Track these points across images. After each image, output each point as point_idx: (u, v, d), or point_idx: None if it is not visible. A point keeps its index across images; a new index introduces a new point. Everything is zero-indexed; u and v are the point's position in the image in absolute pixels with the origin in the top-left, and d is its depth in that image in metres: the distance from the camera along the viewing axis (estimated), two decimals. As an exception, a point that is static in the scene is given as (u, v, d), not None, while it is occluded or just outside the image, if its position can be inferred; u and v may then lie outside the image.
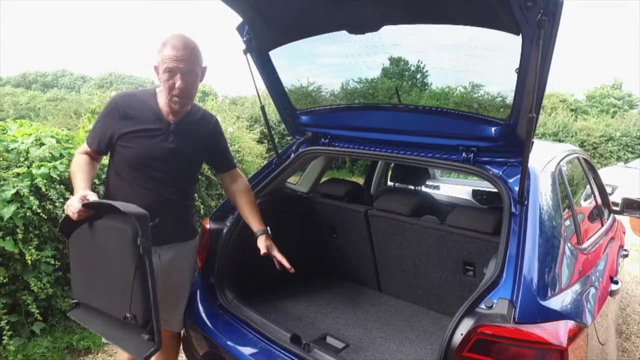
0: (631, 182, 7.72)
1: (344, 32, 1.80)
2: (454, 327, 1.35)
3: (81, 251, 1.67)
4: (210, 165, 2.17)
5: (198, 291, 2.12)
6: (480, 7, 1.40)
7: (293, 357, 1.67)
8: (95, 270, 1.62)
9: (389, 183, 3.86)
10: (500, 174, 1.75)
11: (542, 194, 1.67)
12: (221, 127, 2.04)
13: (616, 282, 1.97)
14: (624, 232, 3.40)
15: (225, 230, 2.18)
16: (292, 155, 2.37)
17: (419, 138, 2.02)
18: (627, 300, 4.05)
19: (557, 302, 1.41)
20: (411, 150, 2.03)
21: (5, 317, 2.53)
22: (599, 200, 2.87)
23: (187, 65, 1.66)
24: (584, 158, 2.79)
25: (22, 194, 2.58)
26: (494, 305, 1.36)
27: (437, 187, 4.32)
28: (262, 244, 1.94)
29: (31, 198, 2.60)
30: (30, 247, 2.58)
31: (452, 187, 4.26)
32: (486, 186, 3.91)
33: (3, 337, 2.50)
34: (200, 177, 3.87)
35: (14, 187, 2.57)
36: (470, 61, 1.80)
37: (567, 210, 1.94)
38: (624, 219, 3.60)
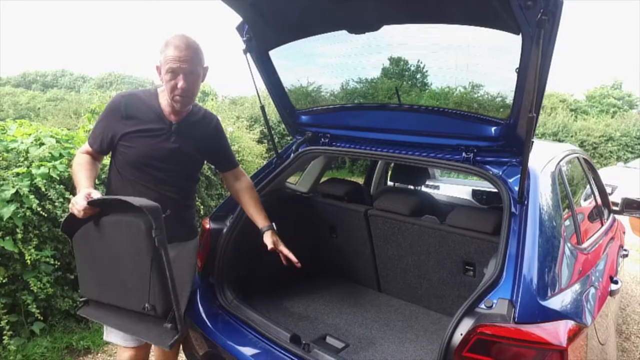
0: (631, 182, 7.72)
1: (343, 32, 1.80)
2: (453, 327, 1.35)
3: (89, 249, 1.67)
4: (212, 164, 2.18)
5: (198, 291, 2.12)
6: (480, 7, 1.40)
7: (293, 357, 1.67)
8: (106, 266, 1.62)
9: (389, 183, 3.86)
10: (500, 173, 1.75)
11: (542, 193, 1.67)
12: (222, 126, 2.04)
13: (616, 282, 1.97)
14: (624, 232, 3.40)
15: (225, 230, 2.18)
16: (292, 155, 2.37)
17: (419, 138, 2.02)
18: (627, 300, 4.05)
19: (557, 302, 1.41)
20: (411, 150, 2.03)
21: (5, 317, 2.53)
22: (599, 200, 2.87)
23: (189, 66, 1.66)
24: (583, 158, 2.79)
25: (21, 193, 2.58)
26: (494, 305, 1.36)
27: (437, 187, 4.32)
28: (268, 239, 1.96)
29: (31, 198, 2.60)
30: (29, 247, 2.58)
31: (452, 187, 4.26)
32: (486, 186, 3.91)
33: (3, 337, 2.50)
34: (200, 177, 3.87)
35: (13, 186, 2.57)
36: (470, 61, 1.80)
37: (567, 210, 1.93)
38: (624, 219, 3.60)
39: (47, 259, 2.68)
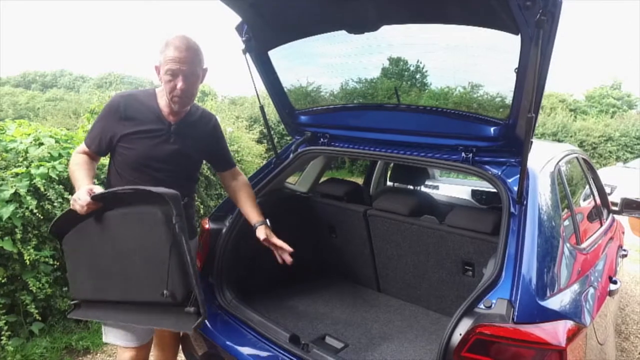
0: (630, 182, 7.72)
1: (343, 32, 1.80)
2: (452, 327, 1.35)
3: (85, 247, 1.66)
4: (210, 164, 2.18)
5: (197, 291, 2.11)
6: (479, 7, 1.40)
7: (292, 357, 1.67)
8: (110, 261, 1.60)
9: (389, 183, 3.86)
10: (499, 174, 1.75)
11: (541, 194, 1.67)
12: (220, 126, 2.04)
13: (615, 282, 1.97)
14: (623, 232, 3.40)
15: (224, 230, 2.18)
16: (291, 155, 2.37)
17: (418, 138, 2.02)
18: (626, 300, 4.05)
19: (556, 302, 1.41)
20: (410, 150, 2.03)
21: (4, 317, 2.53)
22: (598, 201, 2.88)
23: (189, 67, 1.66)
24: (583, 158, 2.79)
25: (20, 194, 2.58)
26: (493, 305, 1.36)
27: (436, 187, 4.32)
28: (261, 232, 1.94)
29: (30, 198, 2.60)
30: (29, 247, 2.57)
31: (452, 187, 4.26)
32: (485, 186, 3.91)
33: (2, 337, 2.50)
34: (199, 177, 3.87)
35: (12, 187, 2.57)
36: (469, 61, 1.80)
37: (566, 210, 1.94)
38: (624, 219, 3.60)
39: (46, 259, 2.67)
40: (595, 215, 2.67)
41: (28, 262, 2.55)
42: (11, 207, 2.51)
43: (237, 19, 1.90)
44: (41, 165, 2.80)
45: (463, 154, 1.85)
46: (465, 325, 1.34)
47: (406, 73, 2.07)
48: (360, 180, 3.98)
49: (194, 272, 1.47)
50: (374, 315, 2.39)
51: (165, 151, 1.77)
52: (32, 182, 2.69)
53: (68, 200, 2.54)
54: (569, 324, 1.37)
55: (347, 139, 2.28)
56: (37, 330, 2.77)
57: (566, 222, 1.85)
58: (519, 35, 1.37)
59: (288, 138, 6.22)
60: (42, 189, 2.68)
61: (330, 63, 2.21)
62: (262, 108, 2.27)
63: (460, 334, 1.33)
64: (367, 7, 1.64)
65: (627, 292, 4.26)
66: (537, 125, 1.60)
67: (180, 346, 2.19)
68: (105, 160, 1.99)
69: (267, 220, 2.01)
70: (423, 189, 3.63)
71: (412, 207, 2.36)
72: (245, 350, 1.77)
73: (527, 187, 1.65)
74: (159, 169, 1.77)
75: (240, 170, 2.13)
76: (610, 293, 1.92)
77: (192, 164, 1.92)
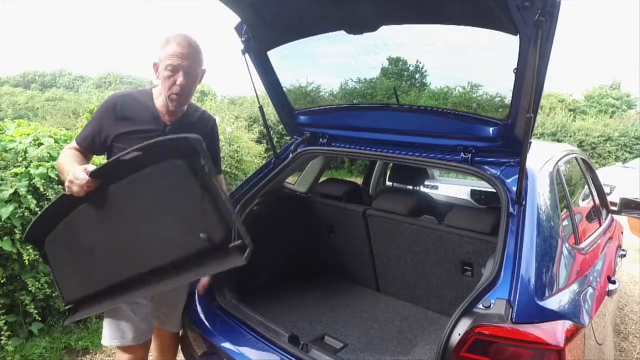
0: (630, 182, 7.73)
1: (342, 33, 1.80)
2: (451, 328, 1.36)
3: (82, 238, 1.60)
4: None
5: (197, 292, 2.11)
6: (478, 8, 1.40)
7: (291, 358, 1.67)
8: (123, 238, 1.56)
9: (388, 183, 3.86)
10: (499, 174, 1.76)
11: (540, 194, 1.67)
12: (218, 129, 2.03)
13: (614, 282, 1.97)
14: (622, 232, 3.41)
15: None
16: (291, 155, 2.37)
17: (418, 138, 2.02)
18: (625, 300, 4.06)
19: (554, 303, 1.41)
20: (410, 151, 2.04)
21: (4, 317, 2.53)
22: (597, 201, 2.88)
23: (190, 63, 1.66)
24: (582, 158, 2.80)
25: (20, 194, 2.58)
26: (492, 306, 1.36)
27: (435, 188, 4.32)
28: None
29: (29, 198, 2.60)
30: (28, 248, 2.57)
31: (451, 187, 4.26)
32: (485, 186, 3.91)
33: (1, 338, 2.50)
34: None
35: (12, 187, 2.57)
36: (468, 61, 1.81)
37: (565, 210, 1.94)
38: (623, 220, 3.60)
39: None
40: (594, 215, 2.67)
41: (27, 263, 2.55)
42: (11, 208, 2.51)
43: (236, 20, 1.90)
44: (41, 165, 2.80)
45: (462, 155, 1.85)
46: (464, 325, 1.34)
47: (406, 73, 2.07)
48: (359, 181, 3.98)
49: (231, 206, 1.47)
50: (373, 316, 2.39)
51: None
52: (32, 182, 2.69)
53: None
54: (567, 324, 1.37)
55: (347, 139, 2.28)
56: (37, 330, 2.77)
57: (565, 223, 1.86)
58: (518, 36, 1.38)
59: (288, 138, 6.22)
60: (41, 189, 2.68)
61: (329, 63, 2.22)
62: (261, 108, 2.27)
63: (460, 334, 1.33)
64: (366, 8, 1.64)
65: (626, 292, 4.26)
66: (536, 125, 1.60)
67: (180, 347, 2.20)
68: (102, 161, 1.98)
69: None
70: (422, 189, 3.63)
71: (411, 208, 2.36)
72: (245, 351, 1.77)
73: (526, 187, 1.65)
74: None
75: (236, 173, 2.11)
76: (609, 293, 1.92)
77: None
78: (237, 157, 5.57)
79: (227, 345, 1.82)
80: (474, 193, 3.92)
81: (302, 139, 2.38)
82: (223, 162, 6.86)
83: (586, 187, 2.75)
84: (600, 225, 2.63)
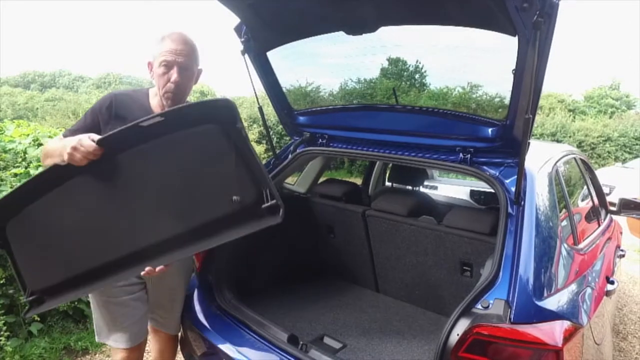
0: (629, 182, 7.74)
1: (341, 33, 1.80)
2: (450, 328, 1.36)
3: (72, 214, 1.51)
4: None
5: (196, 291, 2.12)
6: (477, 9, 1.41)
7: (290, 358, 1.67)
8: (131, 209, 1.51)
9: (387, 183, 3.86)
10: (497, 174, 1.76)
11: (539, 194, 1.68)
12: None
13: (612, 282, 1.97)
14: (621, 233, 3.41)
15: None
16: (290, 155, 2.38)
17: (417, 139, 2.03)
18: (624, 300, 4.06)
19: (553, 303, 1.42)
20: (409, 151, 2.04)
21: (3, 317, 2.53)
22: (596, 201, 2.88)
23: (185, 60, 1.63)
24: (581, 159, 2.80)
25: (19, 194, 2.58)
26: (490, 306, 1.36)
27: (435, 188, 4.32)
28: None
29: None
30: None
31: (450, 188, 4.27)
32: (484, 186, 3.92)
33: (0, 338, 2.50)
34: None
35: (11, 187, 2.57)
36: (468, 62, 1.81)
37: (563, 210, 1.94)
38: (622, 220, 3.60)
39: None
40: (593, 215, 2.68)
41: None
42: (10, 208, 2.51)
43: (236, 20, 1.91)
44: (40, 165, 2.80)
45: (461, 155, 1.86)
46: (462, 325, 1.35)
47: (405, 73, 2.07)
48: (359, 181, 3.98)
49: (263, 167, 1.50)
50: (373, 316, 2.40)
51: None
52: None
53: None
54: (565, 324, 1.37)
55: (346, 140, 2.28)
56: (36, 330, 2.77)
57: (564, 223, 1.86)
58: (516, 37, 1.38)
59: (287, 138, 6.23)
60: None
61: (329, 64, 2.22)
62: (260, 109, 2.28)
63: (458, 334, 1.34)
64: (365, 8, 1.64)
65: (625, 292, 4.27)
66: (535, 125, 1.60)
67: (179, 346, 2.20)
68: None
69: None
70: (422, 189, 3.64)
71: (410, 208, 2.36)
72: (244, 351, 1.77)
73: (525, 187, 1.66)
74: None
75: None
76: (608, 293, 1.92)
77: None
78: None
79: (226, 345, 1.82)
80: (473, 193, 3.92)
81: (302, 139, 2.38)
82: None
83: (585, 187, 2.76)
84: (599, 226, 2.63)
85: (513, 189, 1.64)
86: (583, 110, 28.23)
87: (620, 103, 32.19)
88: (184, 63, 1.63)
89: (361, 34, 1.76)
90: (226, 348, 1.81)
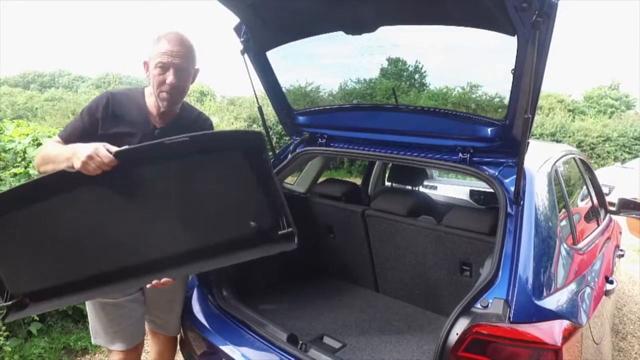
0: (628, 182, 7.74)
1: (341, 33, 1.80)
2: (449, 327, 1.36)
3: (72, 221, 1.49)
4: None
5: (195, 291, 2.12)
6: (476, 9, 1.41)
7: (290, 357, 1.67)
8: (140, 222, 1.51)
9: (387, 183, 3.86)
10: (497, 174, 1.76)
11: (538, 194, 1.68)
12: (211, 124, 1.94)
13: (611, 282, 1.98)
14: (620, 232, 3.42)
15: None
16: (290, 155, 2.38)
17: (416, 138, 2.03)
18: (623, 300, 4.07)
19: (552, 302, 1.42)
20: (408, 151, 2.04)
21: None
22: (595, 201, 2.89)
23: (181, 62, 1.61)
24: (580, 159, 2.80)
25: (19, 194, 2.58)
26: (490, 305, 1.36)
27: (434, 188, 4.33)
28: None
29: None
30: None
31: (450, 187, 4.27)
32: (483, 186, 3.92)
33: (0, 338, 2.50)
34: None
35: (11, 187, 2.57)
36: (467, 62, 1.82)
37: (563, 210, 1.94)
38: (622, 220, 3.61)
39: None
40: (592, 215, 2.68)
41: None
42: (9, 208, 2.51)
43: (235, 20, 1.91)
44: (39, 165, 2.80)
45: (460, 155, 1.86)
46: (462, 325, 1.35)
47: (405, 73, 2.08)
48: (358, 181, 3.98)
49: (282, 196, 1.57)
50: (372, 316, 2.40)
51: None
52: (31, 183, 2.69)
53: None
54: (565, 323, 1.38)
55: (345, 140, 2.29)
56: (36, 330, 2.77)
57: (563, 223, 1.86)
58: (516, 37, 1.38)
59: (287, 138, 6.21)
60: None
61: (328, 63, 2.22)
62: (260, 109, 2.28)
63: (457, 334, 1.34)
64: (364, 9, 1.65)
65: (625, 292, 4.27)
66: (535, 125, 1.60)
67: (179, 346, 2.20)
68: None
69: None
70: (421, 189, 3.64)
71: (410, 208, 2.36)
72: (244, 351, 1.77)
73: (524, 187, 1.66)
74: None
75: None
76: (607, 293, 1.92)
77: None
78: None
79: (226, 345, 1.82)
80: (472, 193, 3.93)
81: (301, 139, 2.38)
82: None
83: (584, 187, 2.76)
84: (598, 225, 2.64)
85: (512, 189, 1.64)
86: (582, 110, 28.28)
87: (620, 103, 32.24)
88: (180, 64, 1.61)
89: (360, 34, 1.76)
90: (226, 348, 1.81)
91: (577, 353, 1.42)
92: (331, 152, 2.31)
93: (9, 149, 2.88)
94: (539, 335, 1.29)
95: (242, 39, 1.95)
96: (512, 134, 1.69)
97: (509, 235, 1.54)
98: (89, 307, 1.80)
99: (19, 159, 2.83)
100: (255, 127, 10.20)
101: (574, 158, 2.61)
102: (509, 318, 1.31)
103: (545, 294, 1.42)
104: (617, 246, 2.91)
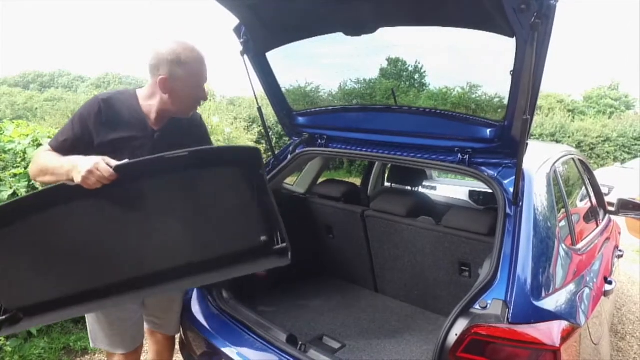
0: (628, 182, 7.75)
1: (341, 33, 1.81)
2: (448, 328, 1.36)
3: (70, 235, 1.47)
4: None
5: (195, 291, 2.12)
6: (475, 10, 1.41)
7: (289, 358, 1.67)
8: (138, 236, 1.51)
9: (386, 184, 3.87)
10: (495, 175, 1.77)
11: (537, 195, 1.68)
12: (202, 118, 1.93)
13: (610, 283, 1.98)
14: (620, 233, 3.42)
15: None
16: (289, 156, 2.38)
17: (416, 139, 2.03)
18: (623, 301, 4.07)
19: (550, 303, 1.42)
20: (407, 152, 2.05)
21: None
22: (595, 201, 2.89)
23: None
24: (579, 159, 2.81)
25: (19, 194, 2.58)
26: (488, 306, 1.37)
27: (434, 188, 4.33)
28: None
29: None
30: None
31: (449, 188, 4.27)
32: (483, 187, 3.92)
33: (0, 338, 2.50)
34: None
35: (11, 187, 2.57)
36: (467, 62, 1.82)
37: (562, 211, 1.95)
38: (621, 220, 3.61)
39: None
40: (591, 216, 2.68)
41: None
42: (9, 208, 2.52)
43: (235, 21, 1.91)
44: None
45: (459, 156, 1.86)
46: (460, 325, 1.35)
47: (404, 74, 2.08)
48: (358, 181, 3.98)
49: (278, 212, 1.58)
50: (371, 316, 2.40)
51: None
52: (31, 183, 2.69)
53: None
54: (563, 324, 1.38)
55: (345, 140, 2.29)
56: (35, 330, 2.77)
57: (562, 223, 1.87)
58: (514, 38, 1.39)
59: (286, 139, 6.23)
60: (40, 189, 2.69)
61: (328, 64, 2.23)
62: (259, 109, 2.28)
63: (456, 334, 1.34)
64: (364, 10, 1.65)
65: (624, 293, 4.28)
66: (534, 125, 1.61)
67: (179, 346, 2.20)
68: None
69: None
70: (421, 189, 3.64)
71: (409, 208, 2.37)
72: (243, 351, 1.77)
73: (523, 188, 1.66)
74: None
75: None
76: (606, 293, 1.93)
77: None
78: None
79: (225, 345, 1.82)
80: (472, 194, 3.93)
81: (301, 139, 2.39)
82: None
83: (583, 187, 2.76)
84: (598, 226, 2.64)
85: (511, 190, 1.64)
86: (582, 110, 28.30)
87: (620, 103, 32.26)
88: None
89: (360, 35, 1.77)
90: (225, 348, 1.81)
91: (575, 354, 1.42)
92: (331, 153, 2.31)
93: (9, 150, 2.88)
94: (538, 336, 1.30)
95: (241, 40, 1.95)
96: (511, 134, 1.69)
97: (508, 236, 1.55)
98: None
99: (18, 160, 2.83)
100: (255, 127, 10.19)
101: (573, 158, 2.61)
102: (508, 319, 1.31)
103: (544, 294, 1.42)
104: (616, 246, 2.91)
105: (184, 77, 1.57)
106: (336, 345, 2.06)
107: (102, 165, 1.36)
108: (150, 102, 1.64)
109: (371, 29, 1.72)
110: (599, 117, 21.25)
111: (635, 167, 9.74)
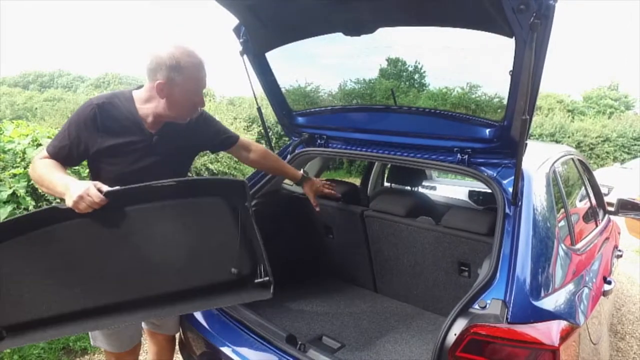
0: (628, 182, 7.75)
1: (340, 34, 1.81)
2: (447, 327, 1.36)
3: (60, 256, 1.47)
4: (214, 150, 2.08)
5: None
6: (474, 10, 1.42)
7: (289, 358, 1.67)
8: (124, 261, 1.51)
9: (386, 184, 3.87)
10: (495, 175, 1.77)
11: (536, 195, 1.69)
12: (207, 113, 1.92)
13: (609, 283, 1.98)
14: (619, 233, 3.42)
15: None
16: (289, 156, 2.38)
17: (415, 139, 2.03)
18: (622, 301, 4.07)
19: (549, 303, 1.43)
20: (407, 152, 2.05)
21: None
22: (594, 201, 2.89)
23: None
24: (578, 159, 2.81)
25: (18, 194, 2.58)
26: (487, 306, 1.37)
27: (433, 188, 4.33)
28: (309, 191, 2.28)
29: (28, 199, 2.60)
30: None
31: (449, 188, 4.27)
32: (482, 187, 3.92)
33: (-1, 338, 2.50)
34: (191, 174, 3.86)
35: (10, 187, 2.58)
36: (466, 62, 1.82)
37: (561, 211, 1.95)
38: (621, 220, 3.61)
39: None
40: (590, 216, 2.69)
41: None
42: (9, 208, 2.52)
43: (235, 20, 1.91)
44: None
45: (459, 156, 1.87)
46: (460, 325, 1.35)
47: (404, 74, 2.08)
48: (357, 181, 3.98)
49: (262, 246, 1.59)
50: (371, 316, 2.40)
51: (148, 163, 1.64)
52: (30, 183, 2.69)
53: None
54: (562, 323, 1.38)
55: (345, 140, 2.29)
56: (35, 330, 2.77)
57: (561, 223, 1.87)
58: (513, 38, 1.39)
59: (286, 139, 6.23)
60: (40, 190, 2.69)
61: (327, 64, 2.23)
62: (259, 110, 2.29)
63: (455, 334, 1.34)
64: (363, 10, 1.65)
65: (623, 293, 4.28)
66: (534, 126, 1.61)
67: (178, 346, 2.20)
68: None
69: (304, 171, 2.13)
70: (420, 190, 3.65)
71: (408, 208, 2.37)
72: (243, 351, 1.78)
73: (522, 188, 1.66)
74: (145, 181, 1.55)
75: (246, 144, 2.02)
76: (605, 293, 1.93)
77: (180, 166, 1.81)
78: (236, 157, 5.56)
79: (225, 345, 1.82)
80: (471, 194, 3.93)
81: (300, 139, 2.39)
82: (221, 162, 6.87)
83: (583, 187, 2.77)
84: (597, 226, 2.64)
85: (511, 190, 1.64)
86: (582, 110, 28.32)
87: (619, 103, 32.29)
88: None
89: (360, 35, 1.77)
90: (225, 348, 1.81)
91: (574, 353, 1.42)
92: (330, 153, 2.31)
93: (9, 150, 2.88)
94: (537, 336, 1.30)
95: (241, 40, 1.96)
96: (511, 134, 1.69)
97: (507, 236, 1.55)
98: None
99: (18, 160, 2.83)
100: (255, 127, 10.18)
101: (572, 159, 2.61)
102: (507, 318, 1.32)
103: (543, 294, 1.43)
104: (616, 246, 2.92)
105: (182, 83, 1.55)
106: (335, 345, 2.06)
107: (92, 190, 1.37)
108: (147, 106, 1.62)
109: (370, 29, 1.73)
110: (598, 118, 21.26)
111: (634, 167, 9.74)
